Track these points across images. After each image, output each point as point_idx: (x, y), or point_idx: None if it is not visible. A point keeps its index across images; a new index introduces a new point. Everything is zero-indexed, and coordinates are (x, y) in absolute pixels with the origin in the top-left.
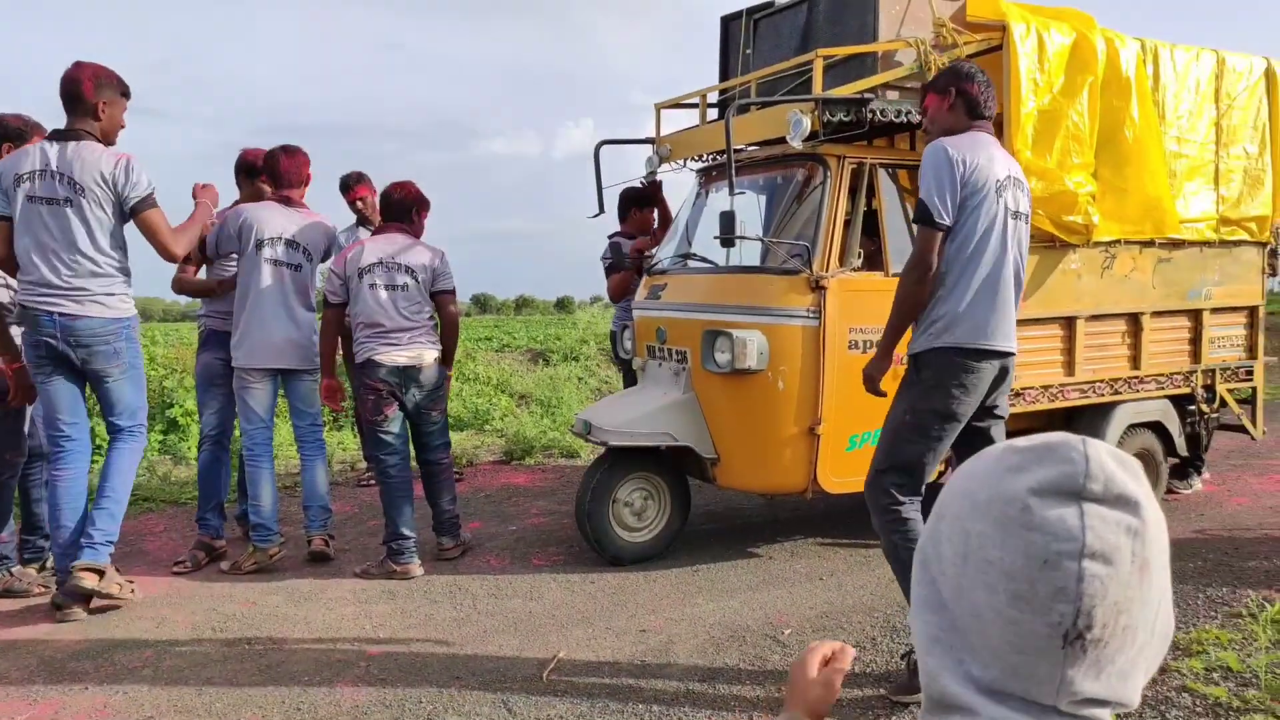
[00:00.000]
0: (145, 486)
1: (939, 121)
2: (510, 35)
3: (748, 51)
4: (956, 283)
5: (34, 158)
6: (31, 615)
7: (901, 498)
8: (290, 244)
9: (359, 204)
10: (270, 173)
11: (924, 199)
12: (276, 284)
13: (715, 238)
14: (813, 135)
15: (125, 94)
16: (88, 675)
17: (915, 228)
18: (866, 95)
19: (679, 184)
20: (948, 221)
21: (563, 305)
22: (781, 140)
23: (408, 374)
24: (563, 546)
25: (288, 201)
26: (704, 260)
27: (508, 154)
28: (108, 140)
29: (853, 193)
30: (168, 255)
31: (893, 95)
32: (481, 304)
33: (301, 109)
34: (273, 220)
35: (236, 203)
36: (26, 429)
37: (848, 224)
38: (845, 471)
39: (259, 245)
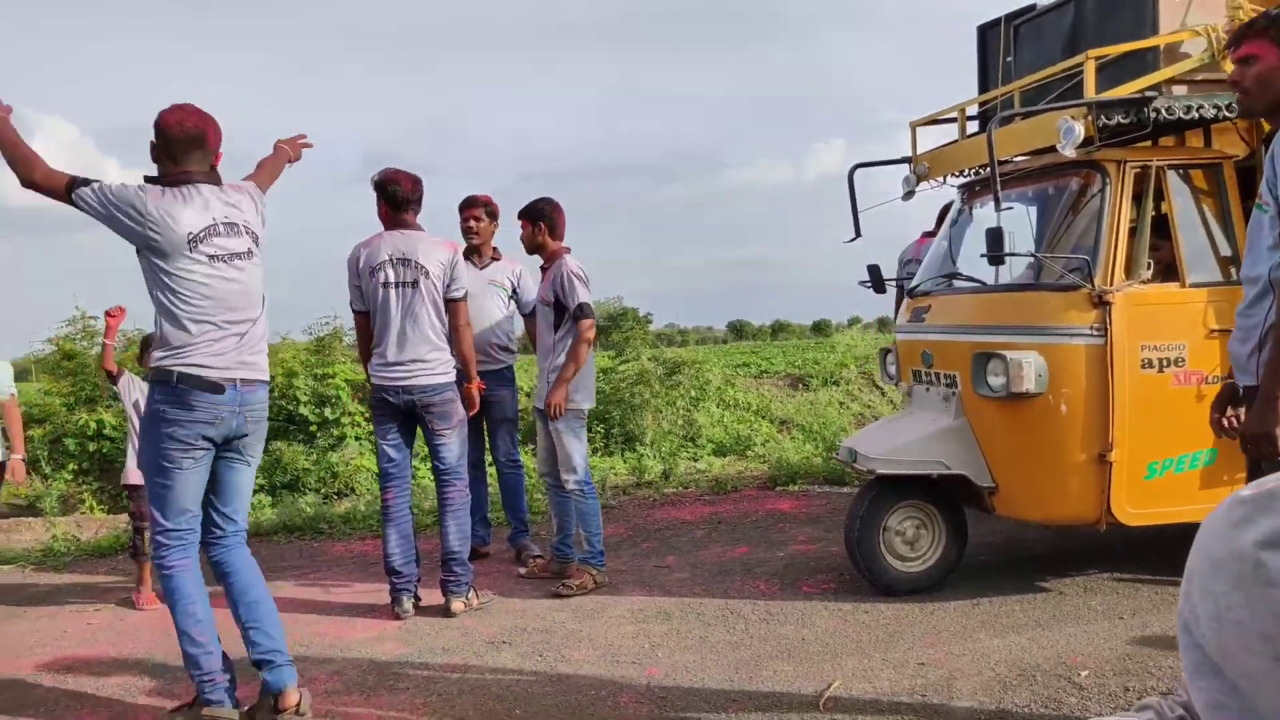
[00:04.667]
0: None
1: (1274, 85)
2: (749, 66)
3: (1008, 59)
4: None
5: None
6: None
7: None
8: None
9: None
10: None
11: None
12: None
13: (982, 255)
14: (1087, 141)
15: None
16: (407, 677)
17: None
18: (1149, 94)
19: (938, 202)
20: None
21: (819, 329)
22: (1052, 149)
23: None
24: (832, 574)
25: None
26: (970, 279)
27: (755, 182)
28: None
29: (1137, 199)
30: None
31: (1180, 90)
32: (738, 330)
33: (550, 157)
34: None
35: None
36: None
37: (1133, 233)
38: (1145, 502)
39: None
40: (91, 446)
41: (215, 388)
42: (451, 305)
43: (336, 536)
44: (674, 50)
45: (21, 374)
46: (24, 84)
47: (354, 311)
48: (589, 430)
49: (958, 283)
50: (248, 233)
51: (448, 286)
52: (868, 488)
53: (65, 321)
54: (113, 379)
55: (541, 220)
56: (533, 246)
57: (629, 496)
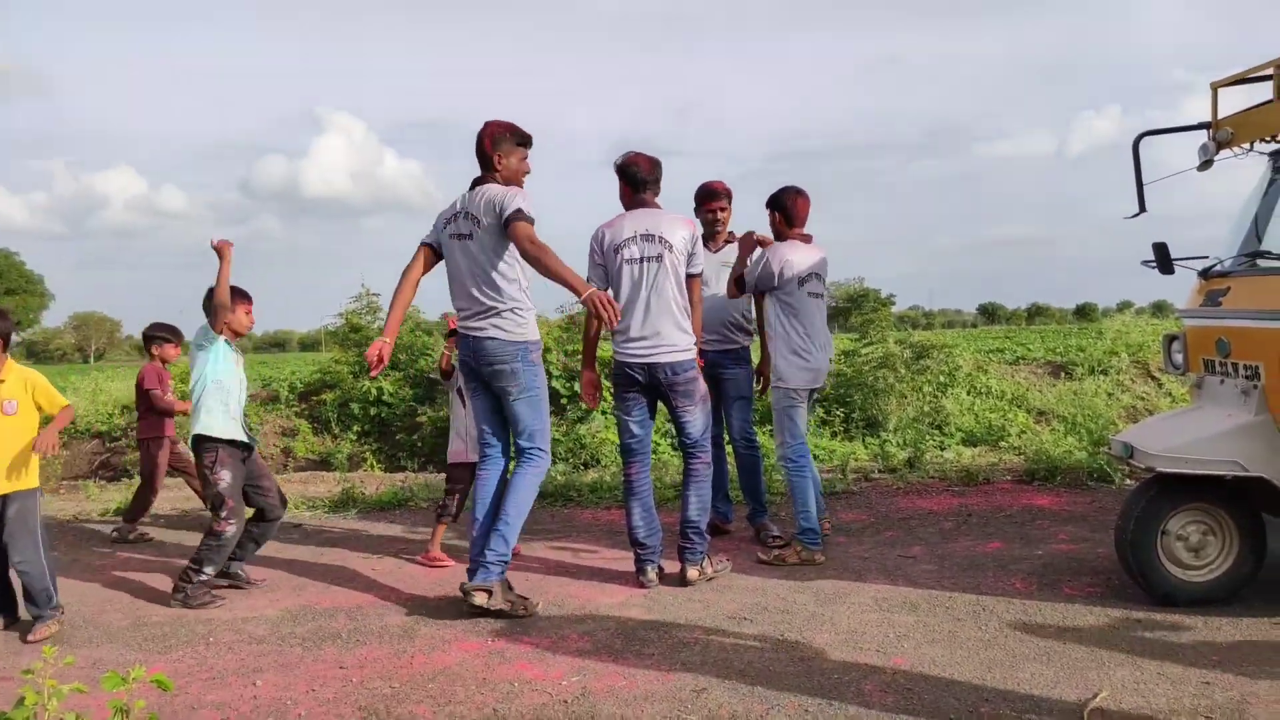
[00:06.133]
0: None
1: None
2: (1009, 31)
3: None
4: None
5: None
6: (609, 588)
7: None
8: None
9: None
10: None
11: None
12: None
13: None
14: None
15: (523, 143)
16: (652, 643)
17: None
18: None
19: (1240, 172)
20: None
21: (1083, 313)
22: None
23: None
24: (1098, 578)
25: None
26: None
27: (1014, 155)
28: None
29: None
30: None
31: None
32: (989, 313)
33: (799, 136)
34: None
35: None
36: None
37: None
38: None
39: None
40: (372, 411)
41: (461, 338)
42: (689, 280)
43: (584, 504)
44: (927, 18)
45: (313, 344)
46: (322, 85)
47: None
48: (828, 413)
49: (1263, 262)
50: (473, 219)
51: (688, 261)
52: (1145, 487)
53: (353, 298)
54: (446, 376)
55: (778, 210)
56: (776, 234)
57: (871, 483)
